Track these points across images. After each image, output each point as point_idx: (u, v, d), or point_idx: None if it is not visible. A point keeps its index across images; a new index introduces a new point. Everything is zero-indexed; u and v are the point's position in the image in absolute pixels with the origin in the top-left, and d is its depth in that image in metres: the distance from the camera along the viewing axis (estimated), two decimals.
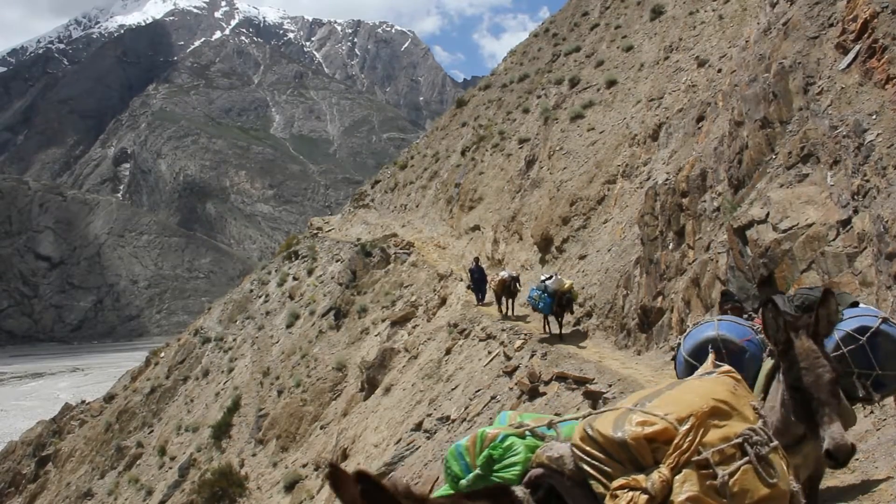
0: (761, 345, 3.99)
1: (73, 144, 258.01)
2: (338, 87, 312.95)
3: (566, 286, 13.69)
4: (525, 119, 29.21)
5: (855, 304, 4.42)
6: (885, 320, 4.11)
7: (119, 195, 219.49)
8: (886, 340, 4.06)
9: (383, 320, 24.02)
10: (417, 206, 35.58)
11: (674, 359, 4.67)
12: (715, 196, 10.62)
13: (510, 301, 16.99)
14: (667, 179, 12.59)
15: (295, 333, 29.36)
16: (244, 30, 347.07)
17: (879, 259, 6.03)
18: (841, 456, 2.60)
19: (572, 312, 14.39)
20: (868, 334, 4.04)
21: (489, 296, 18.62)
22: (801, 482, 3.00)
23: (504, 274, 16.91)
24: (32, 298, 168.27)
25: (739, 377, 2.71)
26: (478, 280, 18.86)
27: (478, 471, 2.50)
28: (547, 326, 14.41)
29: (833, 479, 4.72)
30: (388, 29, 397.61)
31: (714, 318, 4.52)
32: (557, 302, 13.55)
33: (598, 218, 18.62)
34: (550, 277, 13.79)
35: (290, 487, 19.38)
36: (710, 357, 3.06)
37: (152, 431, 32.33)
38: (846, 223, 6.97)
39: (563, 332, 14.28)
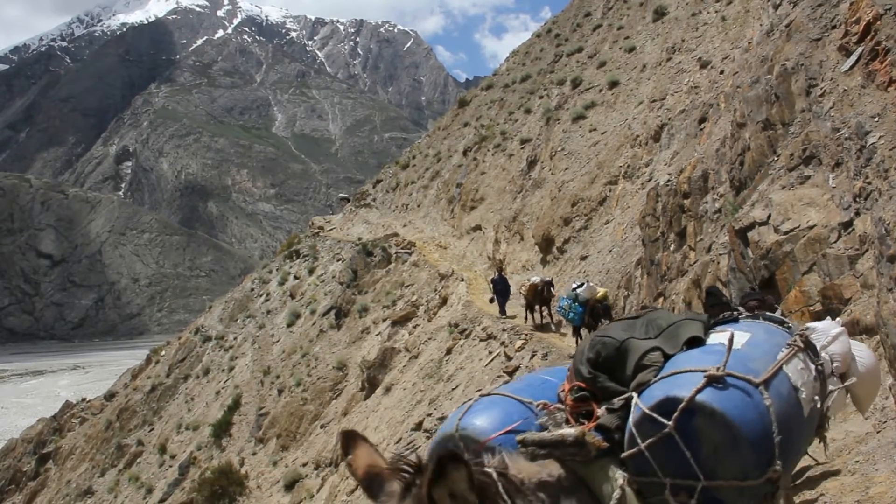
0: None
1: (74, 142, 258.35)
2: (340, 87, 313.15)
3: (599, 294, 12.33)
4: (527, 119, 29.21)
5: (695, 342, 2.67)
6: (711, 381, 2.34)
7: (120, 193, 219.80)
8: (710, 422, 2.31)
9: (384, 320, 24.02)
10: (419, 206, 35.59)
11: None
12: (716, 197, 10.62)
13: (543, 309, 15.49)
14: (668, 180, 12.58)
15: (296, 332, 29.38)
16: (246, 28, 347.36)
17: (881, 261, 6.03)
18: None
19: (611, 320, 13.09)
20: (678, 414, 2.32)
21: (513, 308, 17.33)
22: None
23: (535, 279, 15.42)
24: (34, 296, 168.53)
25: None
26: (501, 290, 17.16)
27: None
28: (580, 340, 12.74)
29: (833, 480, 4.73)
30: (391, 28, 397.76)
31: (479, 393, 2.96)
32: (590, 312, 12.17)
33: (600, 219, 18.64)
34: (582, 285, 12.42)
35: (290, 486, 19.40)
36: None
37: (153, 430, 32.37)
38: (847, 225, 6.96)
39: None
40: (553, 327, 15.44)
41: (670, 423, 2.32)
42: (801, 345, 2.81)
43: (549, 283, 15.22)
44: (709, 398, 2.32)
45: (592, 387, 2.66)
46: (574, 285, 12.75)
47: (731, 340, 2.54)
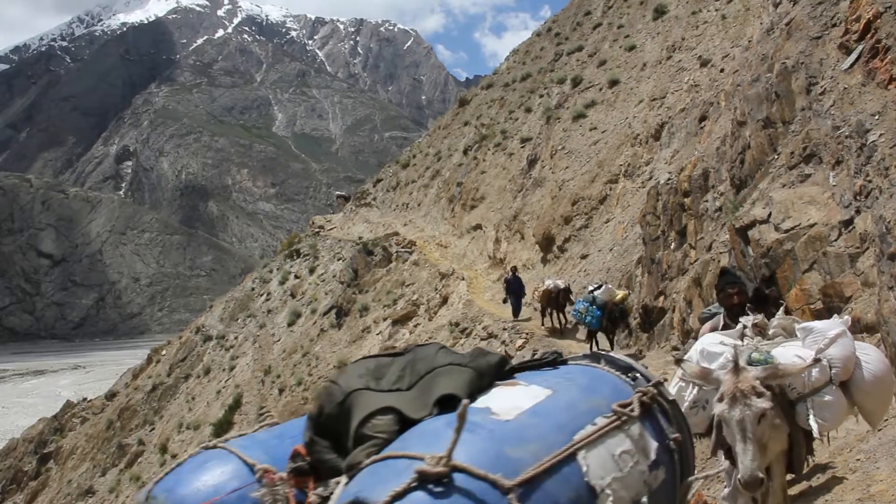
0: None
1: (75, 142, 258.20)
2: (340, 86, 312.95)
3: (618, 297, 11.88)
4: (527, 118, 29.21)
5: (451, 402, 1.80)
6: (425, 480, 1.48)
7: (121, 193, 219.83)
8: None
9: (385, 319, 24.03)
10: (419, 205, 35.59)
11: None
12: (717, 196, 10.62)
13: (559, 314, 14.83)
14: (669, 179, 12.58)
15: (296, 332, 29.38)
16: (247, 28, 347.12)
17: (881, 260, 6.03)
18: None
19: (629, 327, 12.46)
20: None
21: (525, 310, 16.74)
22: None
23: (549, 283, 14.60)
24: (34, 296, 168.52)
25: None
26: (515, 291, 16.47)
27: None
28: (595, 345, 12.23)
29: (834, 479, 4.72)
30: (391, 27, 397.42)
31: (202, 445, 2.23)
32: (608, 316, 11.77)
33: (600, 217, 18.64)
34: (599, 287, 12.03)
35: None
36: None
37: (153, 429, 32.38)
38: (848, 223, 6.96)
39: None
40: (561, 332, 14.95)
41: None
42: (636, 412, 1.87)
43: (567, 290, 14.46)
44: None
45: (311, 455, 1.94)
46: (591, 287, 12.36)
47: (462, 414, 1.56)
